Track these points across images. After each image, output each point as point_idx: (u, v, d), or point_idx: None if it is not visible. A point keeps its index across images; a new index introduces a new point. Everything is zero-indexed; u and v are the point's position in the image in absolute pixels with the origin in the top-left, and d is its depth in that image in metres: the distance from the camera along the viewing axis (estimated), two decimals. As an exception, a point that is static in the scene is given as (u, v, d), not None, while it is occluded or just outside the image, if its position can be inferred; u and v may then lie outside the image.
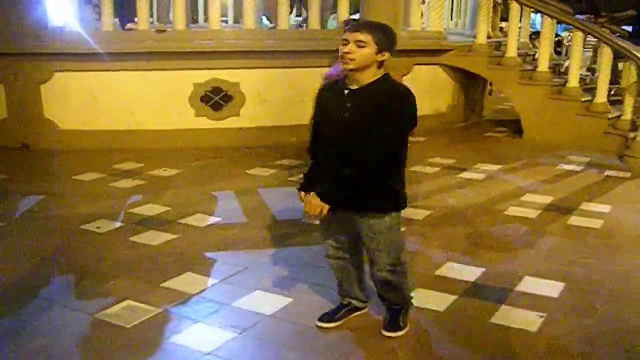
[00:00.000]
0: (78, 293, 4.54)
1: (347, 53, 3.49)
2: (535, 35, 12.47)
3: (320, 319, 4.08)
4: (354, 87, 3.60)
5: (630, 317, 4.33)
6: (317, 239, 5.50)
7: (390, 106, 3.52)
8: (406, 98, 3.60)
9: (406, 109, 3.59)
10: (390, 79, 3.64)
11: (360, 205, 3.68)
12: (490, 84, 11.96)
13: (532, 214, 6.40)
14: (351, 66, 3.52)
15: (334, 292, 4.25)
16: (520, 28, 10.86)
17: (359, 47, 3.48)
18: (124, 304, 4.26)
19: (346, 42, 3.50)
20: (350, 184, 3.56)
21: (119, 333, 3.93)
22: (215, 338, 3.89)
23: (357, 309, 4.17)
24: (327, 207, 3.56)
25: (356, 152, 3.52)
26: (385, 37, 3.54)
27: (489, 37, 10.80)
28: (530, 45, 11.92)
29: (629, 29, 12.17)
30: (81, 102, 8.55)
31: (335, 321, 4.08)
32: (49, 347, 3.77)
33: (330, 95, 3.76)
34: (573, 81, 9.75)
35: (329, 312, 4.14)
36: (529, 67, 10.32)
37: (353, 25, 3.63)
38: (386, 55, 3.56)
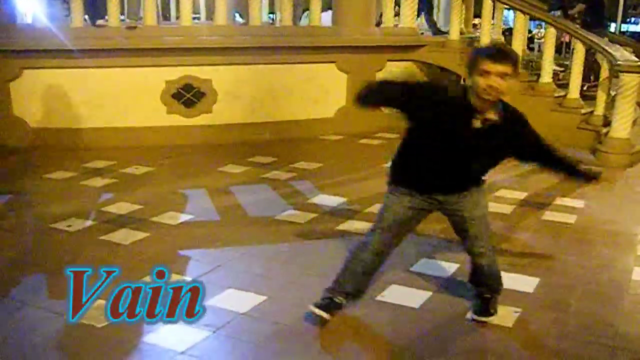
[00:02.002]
0: (49, 293, 4.46)
1: (491, 87, 3.46)
2: (507, 31, 12.53)
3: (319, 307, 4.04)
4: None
5: (605, 312, 4.34)
6: (290, 237, 5.52)
7: None
8: None
9: None
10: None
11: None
12: (463, 79, 11.97)
13: (507, 209, 6.42)
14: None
15: (307, 289, 4.22)
16: (493, 24, 10.90)
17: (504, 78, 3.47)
18: (95, 303, 4.18)
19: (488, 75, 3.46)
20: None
21: (91, 333, 3.86)
22: (189, 337, 3.84)
23: (340, 306, 4.13)
24: None
25: None
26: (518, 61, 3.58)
27: (461, 33, 10.81)
28: (504, 42, 11.95)
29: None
30: (51, 100, 8.43)
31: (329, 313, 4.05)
32: (21, 348, 3.69)
33: None
34: (546, 77, 9.79)
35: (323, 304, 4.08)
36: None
37: (496, 54, 3.51)
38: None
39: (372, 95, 3.75)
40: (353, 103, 3.78)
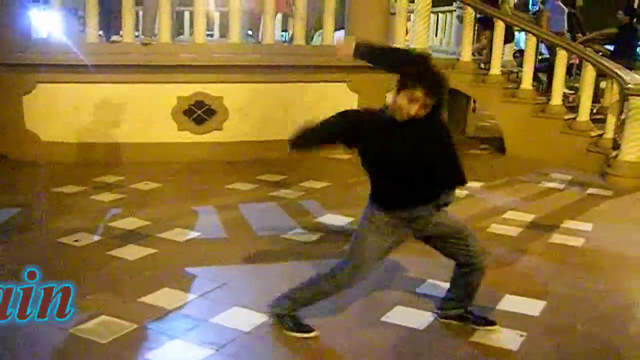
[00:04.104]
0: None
1: None
2: (519, 53, 12.56)
3: (307, 331, 4.09)
4: None
5: (611, 337, 4.32)
6: (297, 255, 5.53)
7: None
8: None
9: None
10: None
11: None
12: (474, 101, 11.99)
13: (514, 231, 6.40)
14: None
15: (312, 309, 4.21)
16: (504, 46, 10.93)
17: None
18: (99, 319, 4.20)
19: None
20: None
21: (94, 349, 3.88)
22: (192, 355, 3.85)
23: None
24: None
25: None
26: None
27: (473, 55, 10.83)
28: (514, 63, 12.01)
29: (611, 48, 12.28)
30: (63, 114, 8.48)
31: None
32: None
33: None
34: (556, 99, 9.80)
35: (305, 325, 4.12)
36: (513, 85, 10.39)
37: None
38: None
39: (306, 138, 3.87)
40: (289, 148, 3.86)
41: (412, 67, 3.65)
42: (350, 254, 4.02)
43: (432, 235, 4.03)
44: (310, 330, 4.08)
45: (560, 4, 12.16)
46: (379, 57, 3.94)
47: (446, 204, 3.95)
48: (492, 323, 4.30)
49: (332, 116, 3.80)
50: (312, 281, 4.13)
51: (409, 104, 3.57)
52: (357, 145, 3.79)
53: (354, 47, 3.87)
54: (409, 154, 3.69)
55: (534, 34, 10.00)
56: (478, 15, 10.48)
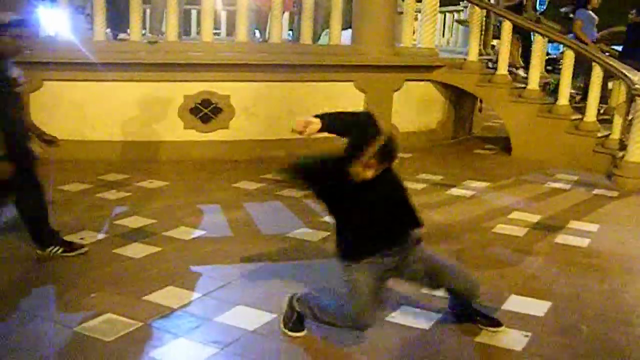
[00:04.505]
0: (59, 305, 4.49)
1: None
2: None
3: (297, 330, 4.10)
4: None
5: (616, 337, 4.30)
6: (302, 254, 5.53)
7: None
8: None
9: None
10: None
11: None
12: (480, 101, 11.97)
13: (520, 232, 6.38)
14: None
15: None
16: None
17: None
18: (104, 317, 4.20)
19: None
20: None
21: (99, 347, 3.88)
22: (197, 353, 3.85)
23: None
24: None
25: None
26: None
27: (480, 55, 10.82)
28: (521, 63, 11.99)
29: (619, 48, 12.24)
30: (70, 112, 8.50)
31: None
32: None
33: None
34: (563, 99, 9.78)
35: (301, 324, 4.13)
36: (520, 85, 10.37)
37: None
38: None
39: (296, 172, 3.99)
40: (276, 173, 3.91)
41: (365, 138, 3.61)
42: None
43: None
44: (301, 330, 4.11)
45: (592, 13, 12.08)
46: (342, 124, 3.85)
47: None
48: (499, 324, 4.29)
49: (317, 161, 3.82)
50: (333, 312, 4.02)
51: (364, 171, 3.58)
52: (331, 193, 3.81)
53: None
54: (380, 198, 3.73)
55: (541, 34, 9.97)
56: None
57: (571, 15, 12.30)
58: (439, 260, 4.09)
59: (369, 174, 3.59)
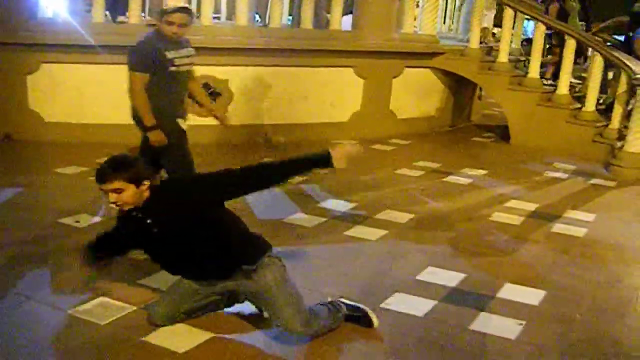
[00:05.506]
0: (54, 288, 4.49)
1: (114, 203, 3.66)
2: (527, 42, 12.48)
3: None
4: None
5: (610, 327, 4.32)
6: (297, 240, 5.54)
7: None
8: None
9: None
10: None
11: None
12: (480, 88, 11.95)
13: (516, 220, 6.39)
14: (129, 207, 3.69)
15: (311, 294, 4.22)
16: (512, 34, 10.88)
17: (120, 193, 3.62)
18: (98, 300, 4.20)
19: (106, 193, 3.64)
20: None
21: (94, 330, 3.88)
22: (190, 339, 3.84)
23: None
24: None
25: None
26: (135, 169, 3.67)
27: (480, 42, 10.79)
28: (522, 52, 11.96)
29: (621, 38, 12.18)
30: (67, 95, 8.45)
31: None
32: (20, 343, 3.72)
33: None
34: (563, 89, 9.76)
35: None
36: (520, 73, 10.35)
37: (98, 176, 3.69)
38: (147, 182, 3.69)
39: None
40: None
41: None
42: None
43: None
44: None
45: None
46: None
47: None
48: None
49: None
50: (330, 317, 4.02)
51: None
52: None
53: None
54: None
55: (543, 23, 9.95)
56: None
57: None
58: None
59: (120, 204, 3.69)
